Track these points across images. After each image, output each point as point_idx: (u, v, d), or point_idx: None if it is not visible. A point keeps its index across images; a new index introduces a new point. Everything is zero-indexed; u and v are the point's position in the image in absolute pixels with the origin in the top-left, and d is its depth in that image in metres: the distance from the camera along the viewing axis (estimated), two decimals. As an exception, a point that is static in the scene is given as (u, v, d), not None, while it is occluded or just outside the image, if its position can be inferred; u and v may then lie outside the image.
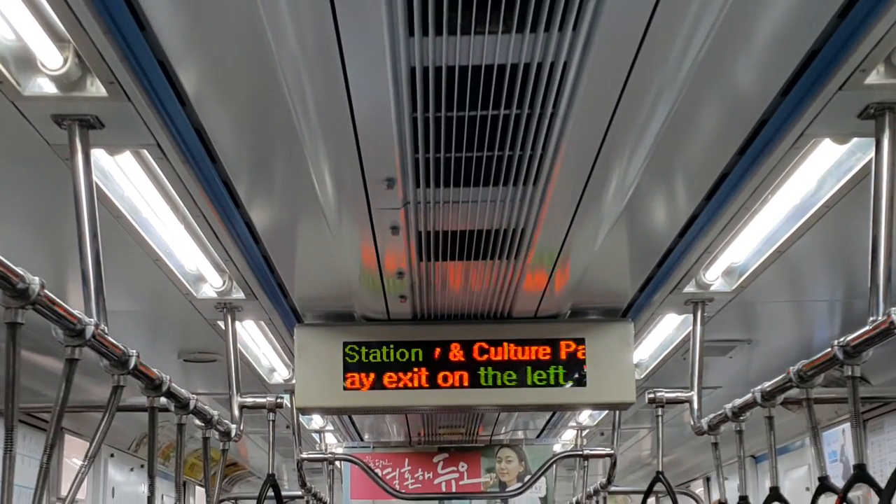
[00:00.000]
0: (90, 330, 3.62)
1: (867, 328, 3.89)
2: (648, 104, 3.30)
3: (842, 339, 4.12)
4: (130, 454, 9.87)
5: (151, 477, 4.84)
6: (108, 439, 4.62)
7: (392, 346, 5.87)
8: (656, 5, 2.78)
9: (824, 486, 4.78)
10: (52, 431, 3.58)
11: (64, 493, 7.51)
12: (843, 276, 5.60)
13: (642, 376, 7.64)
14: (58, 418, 3.59)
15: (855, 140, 3.93)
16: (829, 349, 4.24)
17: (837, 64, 3.21)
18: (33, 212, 4.62)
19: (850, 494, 4.55)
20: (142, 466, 9.97)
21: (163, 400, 4.88)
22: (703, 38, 2.96)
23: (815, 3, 2.92)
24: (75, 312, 3.53)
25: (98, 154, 3.87)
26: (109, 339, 3.85)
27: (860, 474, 4.27)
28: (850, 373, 4.19)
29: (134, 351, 4.15)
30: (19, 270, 3.09)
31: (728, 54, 3.11)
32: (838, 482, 4.92)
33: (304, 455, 8.25)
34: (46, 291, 3.22)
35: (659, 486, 6.57)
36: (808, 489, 8.79)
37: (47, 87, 3.38)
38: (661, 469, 6.50)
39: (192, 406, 5.23)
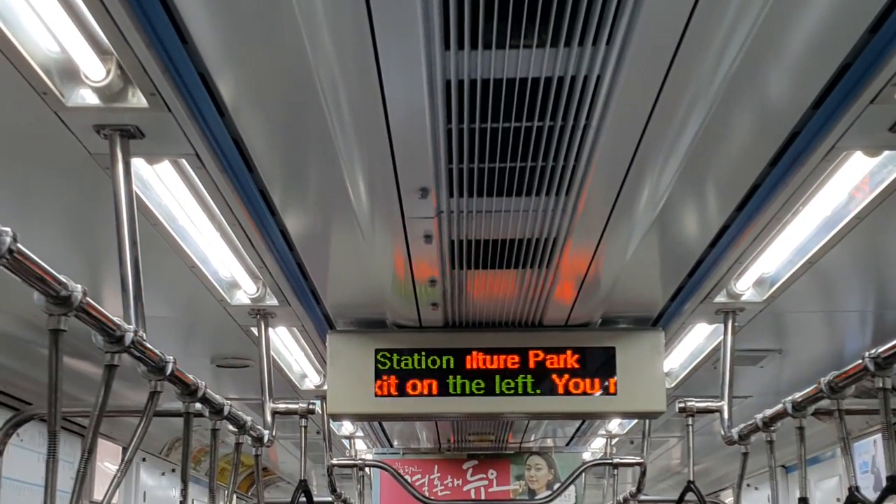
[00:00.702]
0: (129, 336, 3.64)
1: (899, 340, 3.90)
2: (681, 116, 3.32)
3: (873, 351, 4.11)
4: (162, 458, 9.94)
5: (185, 482, 4.88)
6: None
7: (424, 353, 5.90)
8: (689, 19, 2.80)
9: (854, 496, 4.76)
10: (90, 437, 3.59)
11: (95, 496, 7.59)
12: (875, 286, 5.59)
13: (672, 385, 7.64)
14: (96, 424, 3.60)
15: (886, 153, 3.94)
16: (861, 360, 4.23)
17: (869, 78, 3.21)
18: (73, 219, 4.69)
19: None
20: (173, 471, 10.04)
21: (197, 405, 4.93)
22: (736, 51, 2.97)
23: (847, 17, 2.93)
24: (115, 319, 3.58)
25: (137, 163, 3.93)
26: (148, 345, 3.89)
27: (893, 486, 4.26)
28: (881, 384, 4.18)
29: (171, 357, 4.19)
30: (62, 278, 3.13)
31: (760, 67, 3.12)
32: (869, 493, 4.89)
33: (335, 461, 8.27)
34: (88, 299, 3.26)
35: (690, 496, 6.56)
36: (838, 500, 8.73)
37: (90, 98, 3.44)
38: (692, 478, 6.50)
39: (226, 412, 5.27)
